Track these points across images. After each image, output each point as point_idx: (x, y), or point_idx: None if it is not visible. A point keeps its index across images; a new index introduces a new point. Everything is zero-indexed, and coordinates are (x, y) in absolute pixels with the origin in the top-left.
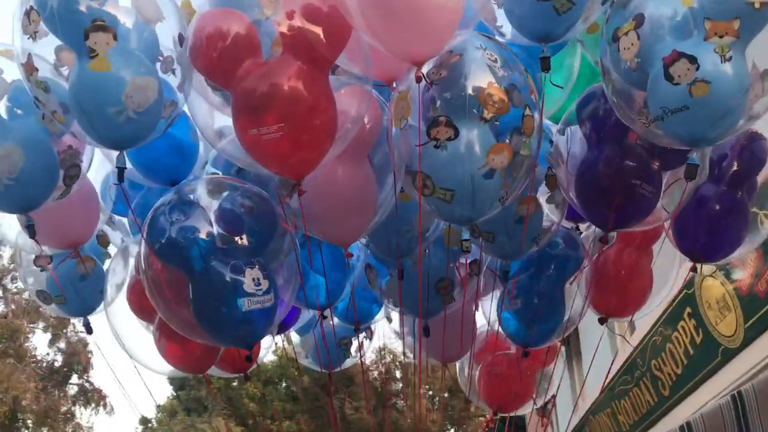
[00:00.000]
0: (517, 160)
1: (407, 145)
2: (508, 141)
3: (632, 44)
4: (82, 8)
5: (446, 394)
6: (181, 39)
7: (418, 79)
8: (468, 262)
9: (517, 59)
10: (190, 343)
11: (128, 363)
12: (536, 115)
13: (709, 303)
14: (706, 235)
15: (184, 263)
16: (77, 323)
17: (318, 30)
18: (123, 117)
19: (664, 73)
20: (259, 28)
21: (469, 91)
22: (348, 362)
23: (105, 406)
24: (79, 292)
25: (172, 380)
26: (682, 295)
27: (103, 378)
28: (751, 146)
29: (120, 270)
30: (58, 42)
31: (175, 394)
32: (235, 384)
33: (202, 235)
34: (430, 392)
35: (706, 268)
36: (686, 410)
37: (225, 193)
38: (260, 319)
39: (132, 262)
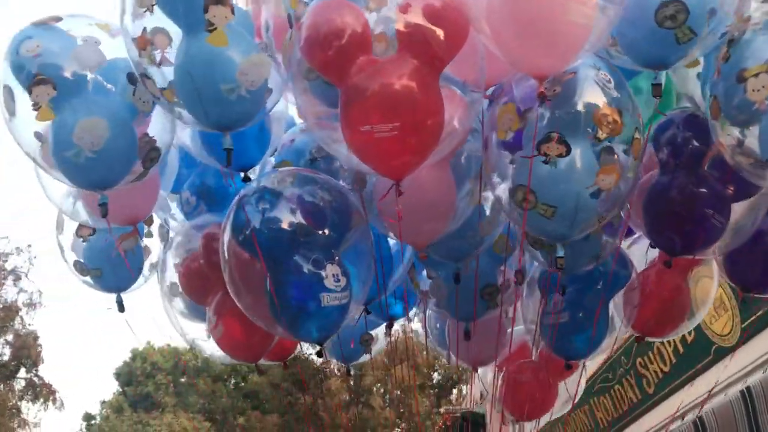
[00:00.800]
0: (621, 183)
1: (503, 160)
2: (617, 163)
3: (764, 86)
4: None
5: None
6: (267, 26)
7: (541, 95)
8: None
9: (624, 81)
10: (248, 331)
11: (76, 357)
12: (642, 139)
13: (704, 300)
14: (760, 269)
15: (268, 254)
16: (25, 315)
17: (436, 29)
18: (234, 95)
19: None
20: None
21: (584, 109)
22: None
23: (54, 401)
24: (117, 268)
25: (119, 375)
26: None
27: (53, 372)
28: None
29: (156, 249)
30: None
31: (121, 390)
32: (183, 380)
33: (287, 227)
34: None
35: (704, 269)
36: (671, 407)
37: (308, 186)
38: (336, 316)
39: (171, 242)
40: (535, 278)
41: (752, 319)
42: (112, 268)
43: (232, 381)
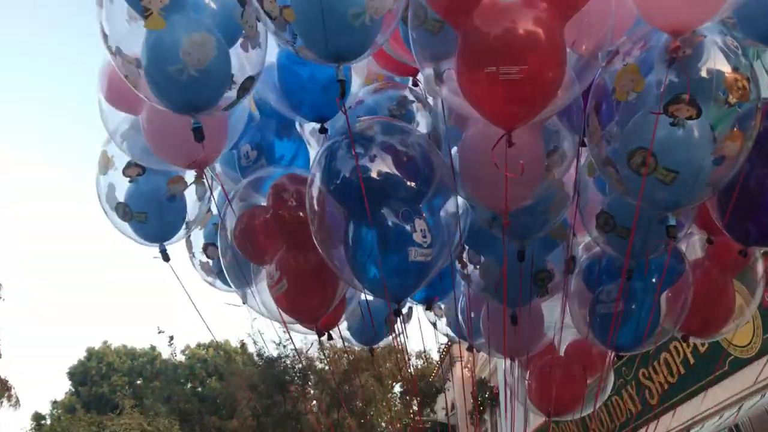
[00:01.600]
0: (743, 151)
1: (631, 122)
2: (745, 131)
3: None
4: None
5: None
6: None
7: (674, 50)
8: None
9: (747, 51)
10: (311, 291)
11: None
12: (762, 109)
13: None
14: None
15: (357, 204)
16: None
17: None
18: (185, 75)
19: None
20: None
21: (715, 73)
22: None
23: (10, 398)
24: (163, 215)
25: (73, 375)
26: None
27: (11, 367)
28: None
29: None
30: None
31: (74, 390)
32: (140, 382)
33: (379, 177)
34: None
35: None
36: (676, 420)
37: (397, 135)
38: (420, 274)
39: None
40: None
41: None
42: (158, 213)
43: (189, 385)
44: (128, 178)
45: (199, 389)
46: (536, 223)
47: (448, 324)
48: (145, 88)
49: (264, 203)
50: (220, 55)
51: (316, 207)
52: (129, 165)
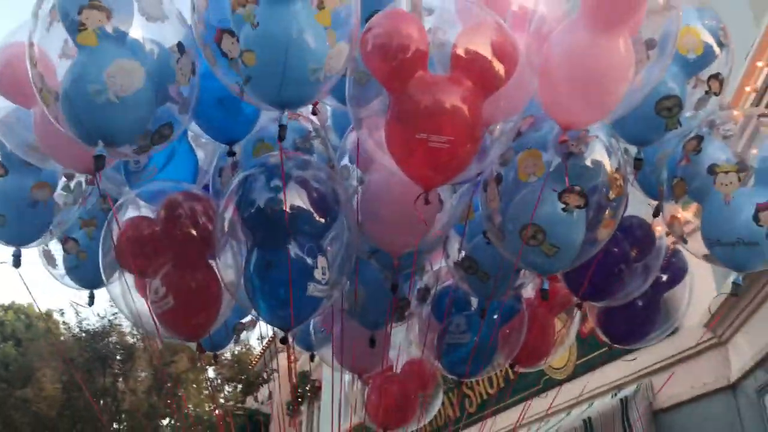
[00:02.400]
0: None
1: (526, 200)
2: (614, 220)
3: (731, 182)
4: None
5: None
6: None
7: (563, 142)
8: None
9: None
10: (197, 310)
11: None
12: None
13: None
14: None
15: (270, 234)
16: None
17: (495, 60)
18: (102, 98)
19: (754, 216)
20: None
21: (602, 170)
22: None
23: None
24: (24, 219)
25: None
26: None
27: None
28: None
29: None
30: None
31: None
32: None
33: (291, 211)
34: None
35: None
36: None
37: (311, 170)
38: (313, 308)
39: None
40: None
41: (586, 358)
42: (18, 217)
43: None
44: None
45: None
46: (411, 262)
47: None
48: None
49: (148, 213)
50: (145, 90)
51: (225, 230)
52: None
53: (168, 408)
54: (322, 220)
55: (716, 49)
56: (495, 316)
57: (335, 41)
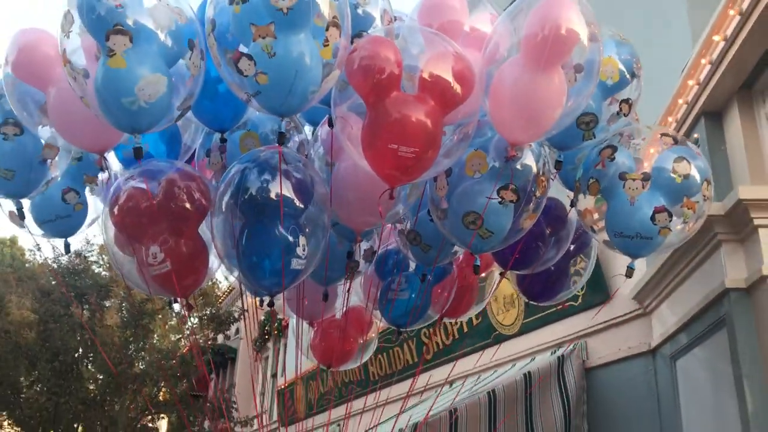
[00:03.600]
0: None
1: (471, 192)
2: (535, 213)
3: (637, 188)
4: (103, 13)
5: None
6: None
7: (510, 157)
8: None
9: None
10: (189, 273)
11: None
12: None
13: (496, 297)
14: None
15: (260, 217)
16: None
17: (455, 83)
18: (135, 106)
19: (651, 216)
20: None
21: (532, 173)
22: None
23: None
24: (30, 175)
25: None
26: None
27: None
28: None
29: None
30: None
31: None
32: None
33: (275, 197)
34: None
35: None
36: (443, 372)
37: (294, 163)
38: (293, 278)
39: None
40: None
41: (533, 318)
42: (28, 173)
43: None
44: (2, 136)
45: None
46: (369, 233)
47: None
48: (93, 99)
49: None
50: (168, 91)
51: (223, 210)
52: (7, 122)
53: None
54: (302, 205)
55: (629, 77)
56: (429, 277)
57: (332, 70)
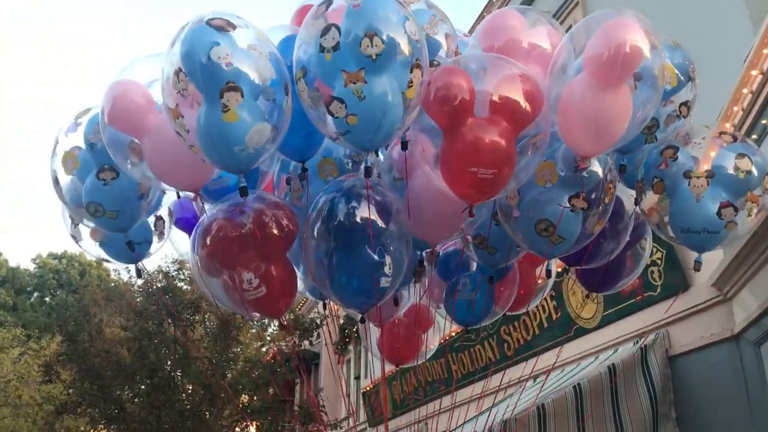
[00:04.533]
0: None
1: (543, 200)
2: (601, 220)
3: (702, 185)
4: (216, 73)
5: None
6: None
7: (581, 168)
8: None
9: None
10: (282, 296)
11: None
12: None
13: (574, 290)
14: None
15: (350, 241)
16: None
17: (526, 103)
18: (244, 153)
19: (717, 212)
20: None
21: (601, 181)
22: None
23: None
24: (133, 211)
25: None
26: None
27: None
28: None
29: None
30: None
31: None
32: None
33: (363, 221)
34: None
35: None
36: (526, 369)
37: (375, 188)
38: (382, 295)
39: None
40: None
41: (612, 310)
42: (129, 209)
43: (36, 294)
44: (102, 182)
45: (47, 299)
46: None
47: None
48: (199, 147)
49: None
50: (271, 138)
51: (314, 236)
52: (103, 169)
53: (230, 354)
54: (384, 225)
55: (685, 80)
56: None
57: (414, 108)
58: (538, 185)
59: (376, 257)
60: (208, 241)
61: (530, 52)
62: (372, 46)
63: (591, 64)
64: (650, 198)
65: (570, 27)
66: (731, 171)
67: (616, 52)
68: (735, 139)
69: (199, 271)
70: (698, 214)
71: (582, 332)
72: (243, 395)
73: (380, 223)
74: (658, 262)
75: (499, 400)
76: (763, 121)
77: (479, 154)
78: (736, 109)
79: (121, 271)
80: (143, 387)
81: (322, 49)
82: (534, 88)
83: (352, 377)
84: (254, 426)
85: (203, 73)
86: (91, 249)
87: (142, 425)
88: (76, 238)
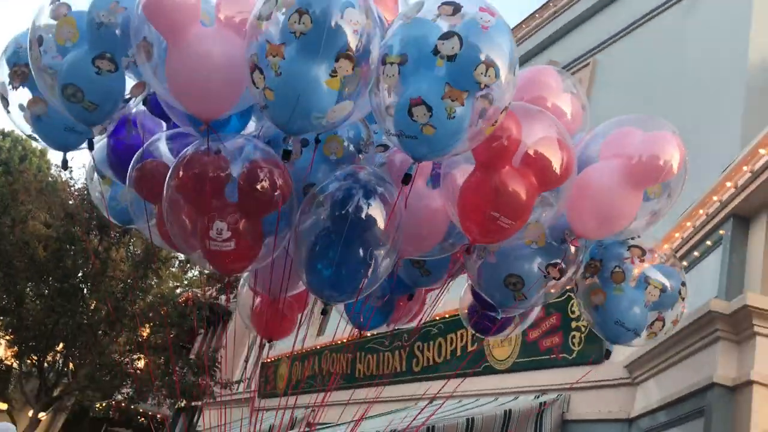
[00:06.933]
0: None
1: (522, 257)
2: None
3: (654, 296)
4: (339, 35)
5: None
6: None
7: (570, 243)
8: None
9: None
10: (245, 258)
11: None
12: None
13: None
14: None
15: (350, 235)
16: None
17: (554, 164)
18: (316, 122)
19: (651, 322)
20: None
21: (579, 260)
22: None
23: None
24: (112, 110)
25: None
26: None
27: None
28: None
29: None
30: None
31: None
32: None
33: (366, 217)
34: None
35: None
36: (421, 388)
37: (388, 189)
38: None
39: None
40: None
41: (525, 359)
42: (107, 108)
43: None
44: (96, 69)
45: None
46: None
47: None
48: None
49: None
50: (344, 118)
51: (311, 218)
52: (103, 56)
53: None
54: (387, 229)
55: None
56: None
57: (345, 102)
58: (523, 242)
59: (370, 258)
60: (187, 173)
61: (552, 113)
62: (299, 23)
63: (621, 161)
64: (601, 280)
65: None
66: (670, 290)
67: (650, 161)
68: (672, 261)
69: (166, 203)
70: (638, 316)
71: (490, 371)
72: (145, 328)
73: (386, 224)
74: (582, 329)
75: (392, 411)
76: (696, 253)
77: (508, 202)
78: (701, 212)
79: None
80: (47, 290)
81: (260, 16)
82: (569, 158)
83: (256, 345)
84: (143, 360)
85: (329, 30)
86: (18, 119)
87: (36, 325)
88: (4, 99)
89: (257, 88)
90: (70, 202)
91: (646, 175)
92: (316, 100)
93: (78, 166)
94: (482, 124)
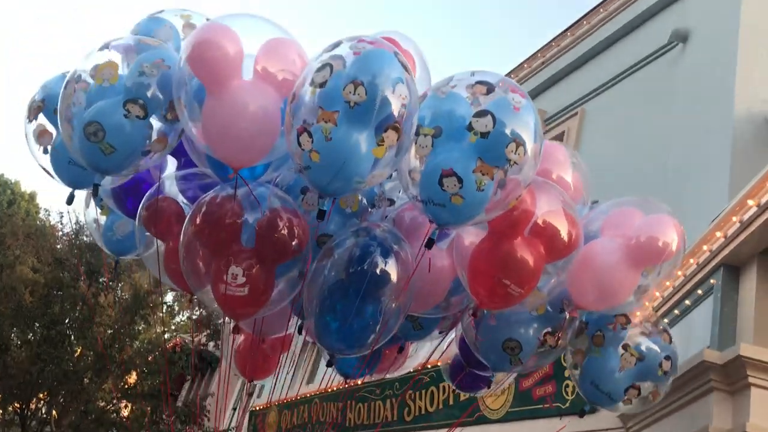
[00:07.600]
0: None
1: (521, 322)
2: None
3: (630, 363)
4: (389, 111)
5: None
6: None
7: (572, 314)
8: None
9: None
10: (258, 304)
11: None
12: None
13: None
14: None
15: (365, 291)
16: None
17: (563, 236)
18: (357, 184)
19: (626, 389)
20: None
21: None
22: None
23: None
24: (128, 159)
25: None
26: None
27: None
28: None
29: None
30: None
31: None
32: None
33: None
34: None
35: None
36: None
37: (402, 246)
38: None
39: None
40: None
41: (518, 408)
42: (124, 156)
43: None
44: (125, 111)
45: None
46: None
47: None
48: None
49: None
50: (380, 181)
51: (327, 271)
52: (135, 101)
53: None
54: (399, 287)
55: None
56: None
57: (383, 169)
58: (524, 309)
59: (381, 314)
60: (205, 219)
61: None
62: (354, 94)
63: (629, 243)
64: (582, 341)
65: (563, 133)
66: (648, 360)
67: (661, 247)
68: (654, 330)
69: (183, 245)
70: (612, 381)
71: (483, 420)
72: (131, 375)
73: (403, 282)
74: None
75: None
76: (687, 302)
77: (517, 269)
78: (692, 261)
79: (51, 212)
80: (33, 337)
81: (312, 83)
82: (577, 230)
83: (245, 392)
84: (128, 408)
85: (381, 102)
86: (35, 150)
87: (22, 373)
88: (32, 135)
89: (303, 149)
90: (59, 247)
91: (649, 255)
92: (359, 166)
93: (66, 210)
94: (506, 197)
